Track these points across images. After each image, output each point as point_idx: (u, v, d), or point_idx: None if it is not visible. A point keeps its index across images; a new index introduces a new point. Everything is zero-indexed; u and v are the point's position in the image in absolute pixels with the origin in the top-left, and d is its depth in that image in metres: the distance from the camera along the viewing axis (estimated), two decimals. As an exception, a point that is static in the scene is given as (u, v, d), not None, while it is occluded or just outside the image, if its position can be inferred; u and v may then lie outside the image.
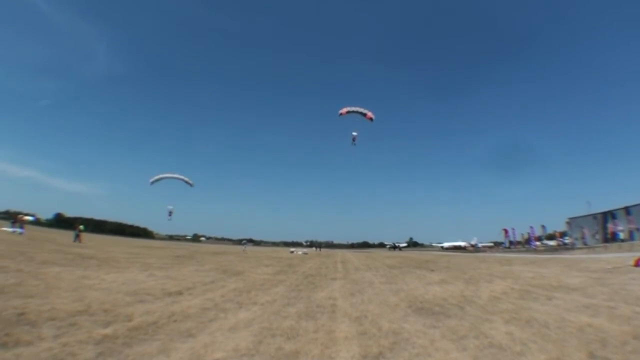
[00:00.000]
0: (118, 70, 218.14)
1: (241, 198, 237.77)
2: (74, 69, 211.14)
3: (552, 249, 53.21)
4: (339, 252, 69.98)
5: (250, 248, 63.66)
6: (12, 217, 42.92)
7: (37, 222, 37.27)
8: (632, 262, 15.54)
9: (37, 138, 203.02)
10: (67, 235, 44.83)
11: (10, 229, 35.83)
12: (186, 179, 47.12)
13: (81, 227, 38.63)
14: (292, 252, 56.25)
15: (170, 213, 45.48)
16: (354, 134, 35.87)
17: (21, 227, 36.93)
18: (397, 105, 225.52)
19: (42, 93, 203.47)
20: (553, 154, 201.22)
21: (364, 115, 35.49)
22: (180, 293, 9.35)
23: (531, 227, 73.17)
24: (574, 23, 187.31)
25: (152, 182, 46.83)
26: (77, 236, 34.66)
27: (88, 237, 48.47)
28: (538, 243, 68.01)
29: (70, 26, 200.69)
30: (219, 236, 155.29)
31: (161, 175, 47.72)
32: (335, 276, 16.03)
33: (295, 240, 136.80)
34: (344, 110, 35.59)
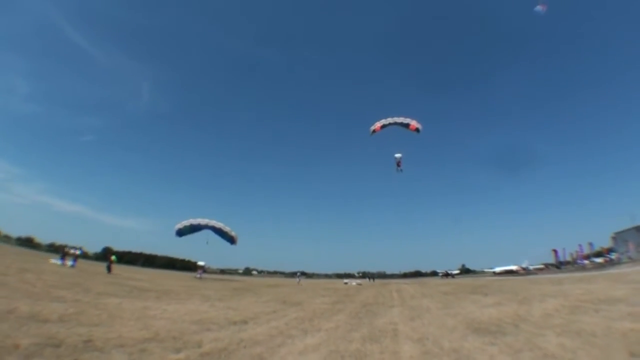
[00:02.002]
0: (163, 107, 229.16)
1: (292, 231, 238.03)
2: (119, 106, 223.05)
3: (600, 266, 51.40)
4: (393, 282, 69.51)
5: (303, 280, 64.19)
6: (62, 251, 43.56)
7: (83, 256, 39.91)
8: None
9: (84, 173, 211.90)
10: (128, 270, 47.17)
11: (60, 262, 36.19)
12: (227, 229, 45.09)
13: (112, 257, 39.55)
14: (345, 283, 57.12)
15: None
16: (398, 156, 30.50)
17: (73, 260, 37.42)
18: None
19: (86, 129, 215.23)
20: (598, 170, 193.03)
21: (407, 126, 30.46)
22: (245, 322, 9.96)
23: (579, 246, 72.47)
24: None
25: (180, 231, 44.64)
26: (109, 267, 34.78)
27: (140, 272, 50.60)
28: (587, 261, 66.23)
29: (113, 64, 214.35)
30: (271, 269, 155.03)
31: (193, 222, 44.28)
32: (393, 304, 16.60)
33: (347, 271, 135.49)
34: (378, 125, 30.78)
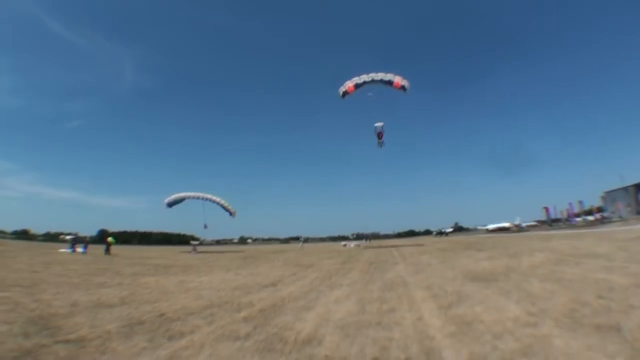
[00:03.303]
0: (147, 84, 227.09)
1: (284, 196, 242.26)
2: (102, 88, 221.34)
3: (591, 224, 53.37)
4: (389, 242, 72.43)
5: (300, 245, 66.61)
6: (73, 240, 42.16)
7: (76, 241, 39.84)
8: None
9: (72, 160, 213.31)
10: (128, 250, 48.30)
11: (70, 250, 36.22)
12: (226, 204, 45.33)
13: (110, 239, 39.12)
14: (344, 245, 58.77)
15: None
16: (378, 125, 26.97)
17: (84, 247, 37.42)
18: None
19: (72, 115, 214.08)
20: (589, 129, 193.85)
21: (389, 84, 25.40)
22: (274, 284, 11.24)
23: (570, 204, 74.71)
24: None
25: (170, 203, 45.17)
26: (107, 249, 34.88)
27: (144, 250, 52.16)
28: (579, 219, 68.41)
29: (93, 48, 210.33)
30: (265, 236, 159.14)
31: (186, 195, 45.01)
32: (396, 261, 18.28)
33: (341, 234, 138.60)
34: (350, 85, 25.27)
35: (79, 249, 36.75)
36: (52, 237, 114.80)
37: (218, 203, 45.96)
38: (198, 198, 45.90)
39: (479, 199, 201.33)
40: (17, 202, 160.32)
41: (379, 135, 26.85)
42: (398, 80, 24.85)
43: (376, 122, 26.85)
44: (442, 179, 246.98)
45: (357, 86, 25.18)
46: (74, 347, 4.84)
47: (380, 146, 27.30)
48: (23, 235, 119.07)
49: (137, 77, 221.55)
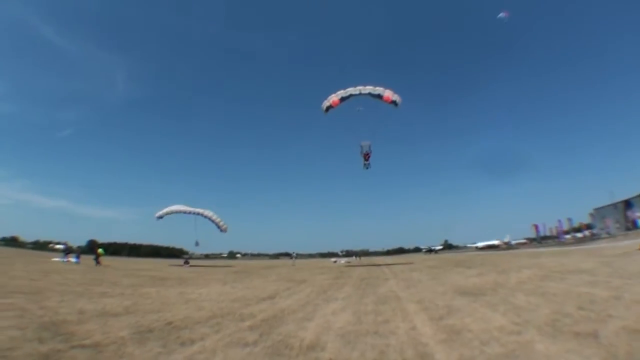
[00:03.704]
0: (138, 94, 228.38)
1: (273, 212, 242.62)
2: (94, 96, 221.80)
3: (580, 241, 54.31)
4: (379, 259, 72.62)
5: (292, 261, 66.64)
6: (65, 250, 42.95)
7: (69, 250, 39.48)
8: (637, 247, 17.69)
9: (63, 168, 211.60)
10: (118, 261, 48.22)
11: (63, 260, 36.37)
12: (217, 220, 44.97)
13: (100, 250, 39.30)
14: (334, 261, 58.88)
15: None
16: (365, 145, 25.60)
17: (76, 257, 37.74)
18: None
19: (63, 123, 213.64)
20: (578, 146, 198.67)
21: (378, 97, 23.72)
22: (271, 298, 11.56)
23: (559, 221, 76.04)
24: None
25: (160, 217, 44.62)
26: (97, 259, 35.20)
27: (135, 262, 51.93)
28: (568, 236, 69.57)
29: (86, 56, 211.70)
30: (255, 252, 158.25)
31: (178, 208, 44.69)
32: (387, 277, 18.72)
33: (330, 250, 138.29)
34: (335, 99, 23.48)
35: (72, 259, 36.98)
36: (42, 246, 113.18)
37: (210, 219, 45.95)
38: (190, 213, 45.87)
39: (468, 216, 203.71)
40: (6, 209, 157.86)
41: (366, 156, 25.22)
42: (388, 94, 23.29)
43: (362, 141, 25.04)
44: (431, 195, 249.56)
45: (342, 99, 23.26)
46: (92, 352, 5.13)
47: (367, 168, 25.63)
48: (12, 242, 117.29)
49: (128, 86, 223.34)
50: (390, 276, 19.27)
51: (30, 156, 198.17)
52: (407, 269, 25.47)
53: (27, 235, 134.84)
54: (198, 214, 45.72)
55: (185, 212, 46.11)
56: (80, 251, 46.37)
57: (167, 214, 46.00)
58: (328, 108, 23.49)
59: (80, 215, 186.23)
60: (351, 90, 22.57)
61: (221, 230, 46.39)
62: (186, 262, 48.68)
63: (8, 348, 5.06)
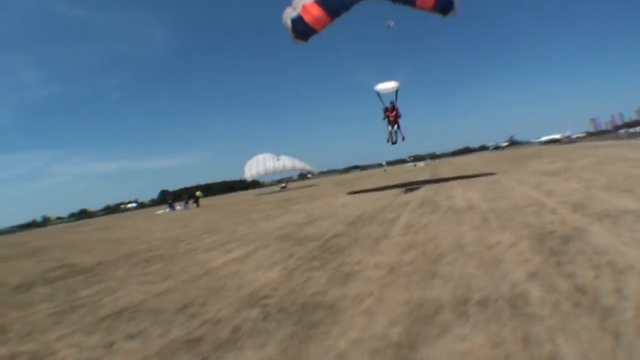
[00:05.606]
0: (176, 44, 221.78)
1: (338, 128, 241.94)
2: (135, 57, 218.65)
3: (631, 136, 54.92)
4: (451, 160, 78.40)
5: (384, 169, 71.81)
6: (169, 200, 44.24)
7: (142, 206, 41.75)
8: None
9: (116, 131, 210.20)
10: (208, 201, 53.02)
11: (169, 210, 39.18)
12: (307, 167, 48.88)
13: (198, 193, 40.06)
14: (414, 165, 67.32)
15: (284, 187, 50.49)
16: (386, 87, 16.23)
17: (184, 205, 40.29)
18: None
19: (111, 89, 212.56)
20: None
21: (410, 3, 13.69)
22: (409, 187, 17.54)
23: (612, 116, 76.89)
24: None
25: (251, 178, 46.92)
26: (196, 202, 37.60)
27: (222, 198, 60.31)
28: (621, 131, 70.38)
29: (121, 21, 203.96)
30: (324, 169, 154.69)
31: (266, 167, 44.60)
32: (480, 166, 23.91)
33: (398, 158, 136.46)
34: (315, 9, 12.59)
35: (178, 207, 40.39)
36: (113, 209, 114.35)
37: (300, 170, 49.84)
38: (277, 172, 48.35)
39: (528, 113, 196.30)
40: (68, 186, 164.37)
41: (390, 113, 16.61)
42: None
43: (380, 83, 16.25)
44: (494, 93, 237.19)
45: (335, 13, 13.72)
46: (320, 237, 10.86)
47: (393, 141, 17.10)
48: (83, 215, 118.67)
49: (166, 39, 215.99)
50: (479, 166, 24.35)
51: (82, 129, 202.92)
52: (490, 163, 30.80)
53: (94, 204, 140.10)
54: (285, 170, 48.72)
55: (275, 172, 48.32)
56: (187, 198, 44.51)
57: (254, 175, 48.26)
58: (303, 30, 14.07)
59: (144, 170, 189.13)
60: None
61: (311, 175, 50.05)
62: (283, 188, 52.13)
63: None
